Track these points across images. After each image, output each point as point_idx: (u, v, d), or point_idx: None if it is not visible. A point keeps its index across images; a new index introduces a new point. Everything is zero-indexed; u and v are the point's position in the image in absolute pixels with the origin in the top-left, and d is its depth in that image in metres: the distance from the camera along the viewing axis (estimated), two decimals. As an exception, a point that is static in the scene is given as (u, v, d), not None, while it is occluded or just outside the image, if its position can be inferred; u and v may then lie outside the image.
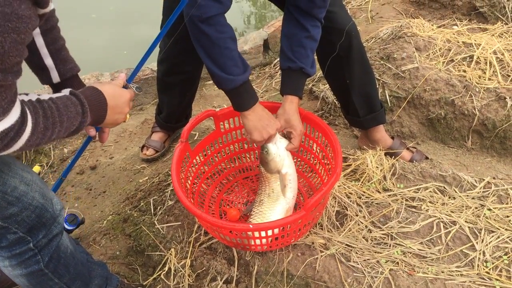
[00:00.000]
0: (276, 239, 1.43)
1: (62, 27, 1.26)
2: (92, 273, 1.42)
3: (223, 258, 1.55)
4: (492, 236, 1.53)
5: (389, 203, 1.66)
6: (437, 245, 1.54)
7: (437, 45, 2.23)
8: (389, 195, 1.71)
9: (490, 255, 1.48)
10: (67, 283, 1.32)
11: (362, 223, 1.61)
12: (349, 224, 1.61)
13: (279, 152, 1.53)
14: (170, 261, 1.60)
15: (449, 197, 1.70)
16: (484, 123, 2.00)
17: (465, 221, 1.58)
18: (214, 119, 1.74)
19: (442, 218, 1.59)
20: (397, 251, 1.51)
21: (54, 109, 0.97)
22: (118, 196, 2.09)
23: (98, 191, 2.16)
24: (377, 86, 2.08)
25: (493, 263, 1.45)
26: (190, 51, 1.48)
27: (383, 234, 1.57)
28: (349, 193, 1.71)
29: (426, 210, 1.63)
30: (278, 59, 2.13)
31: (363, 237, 1.57)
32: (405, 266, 1.44)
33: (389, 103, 2.14)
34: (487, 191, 1.70)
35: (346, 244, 1.51)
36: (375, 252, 1.50)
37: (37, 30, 1.19)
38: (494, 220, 1.59)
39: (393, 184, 1.76)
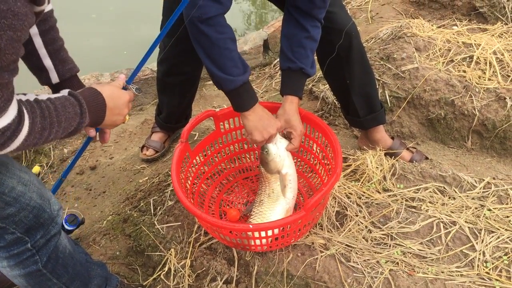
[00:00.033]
0: (276, 239, 1.43)
1: (62, 27, 1.26)
2: (91, 273, 1.42)
3: (223, 259, 1.55)
4: (492, 236, 1.53)
5: (389, 204, 1.66)
6: (437, 245, 1.54)
7: (437, 46, 2.23)
8: (389, 196, 1.71)
9: (490, 256, 1.48)
10: (66, 283, 1.31)
11: (362, 224, 1.61)
12: (349, 225, 1.61)
13: (279, 152, 1.53)
14: (170, 261, 1.60)
15: (449, 198, 1.70)
16: (484, 124, 2.01)
17: (465, 222, 1.58)
18: (214, 119, 1.74)
19: (442, 219, 1.59)
20: (397, 252, 1.51)
21: (52, 109, 0.97)
22: (118, 196, 2.09)
23: (98, 191, 2.16)
24: (377, 87, 2.08)
25: (493, 264, 1.45)
26: (190, 52, 1.48)
27: (383, 234, 1.57)
28: (349, 193, 1.71)
29: (426, 211, 1.63)
30: (278, 59, 2.13)
31: (363, 237, 1.57)
32: (405, 267, 1.44)
33: (389, 103, 2.15)
34: (487, 191, 1.70)
35: (346, 245, 1.51)
36: (375, 253, 1.50)
37: (36, 31, 1.19)
38: (494, 220, 1.59)
39: (393, 184, 1.76)
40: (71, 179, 2.25)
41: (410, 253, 1.51)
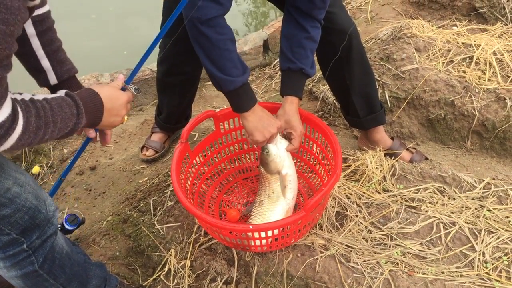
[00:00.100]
0: (276, 240, 1.43)
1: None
2: (89, 273, 1.42)
3: (223, 259, 1.55)
4: (492, 236, 1.53)
5: (389, 204, 1.66)
6: (437, 245, 1.54)
7: (436, 46, 2.23)
8: (389, 196, 1.71)
9: (490, 256, 1.48)
10: (63, 283, 1.31)
11: (362, 224, 1.61)
12: (349, 225, 1.61)
13: (280, 153, 1.53)
14: (170, 261, 1.60)
15: (449, 198, 1.70)
16: (484, 124, 2.01)
17: (465, 222, 1.58)
18: (214, 119, 1.74)
19: (441, 219, 1.59)
20: (397, 252, 1.51)
21: (48, 109, 0.96)
22: (117, 196, 2.09)
23: (97, 192, 2.16)
24: (377, 87, 2.08)
25: (493, 264, 1.46)
26: (190, 52, 1.48)
27: (383, 234, 1.57)
28: (349, 193, 1.71)
29: (426, 211, 1.63)
30: (278, 59, 2.13)
31: (363, 238, 1.57)
32: (405, 267, 1.44)
33: (389, 104, 2.15)
34: (487, 191, 1.70)
35: (346, 245, 1.51)
36: (375, 253, 1.50)
37: (33, 32, 1.19)
38: (494, 220, 1.59)
39: (393, 184, 1.76)
40: (71, 179, 2.25)
41: (410, 253, 1.51)
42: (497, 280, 1.40)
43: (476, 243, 1.52)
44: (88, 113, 1.07)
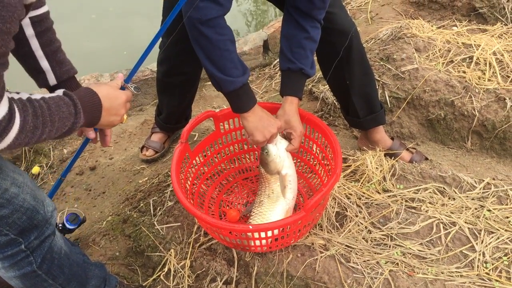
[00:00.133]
0: (276, 240, 1.43)
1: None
2: (88, 274, 1.41)
3: (222, 259, 1.55)
4: (492, 237, 1.53)
5: (389, 204, 1.66)
6: (437, 246, 1.54)
7: (436, 46, 2.23)
8: (388, 196, 1.71)
9: (490, 256, 1.48)
10: (62, 284, 1.31)
11: (362, 224, 1.61)
12: (349, 225, 1.61)
13: (279, 153, 1.53)
14: (170, 262, 1.60)
15: (449, 198, 1.70)
16: (484, 124, 2.01)
17: (465, 222, 1.58)
18: (214, 120, 1.74)
19: (441, 219, 1.59)
20: (396, 252, 1.51)
21: (45, 108, 0.96)
22: (117, 196, 2.09)
23: (97, 192, 2.16)
24: (377, 87, 2.08)
25: (493, 264, 1.46)
26: (190, 52, 1.48)
27: (383, 235, 1.57)
28: (349, 194, 1.71)
29: (426, 211, 1.63)
30: (278, 60, 2.14)
31: (363, 238, 1.57)
32: (405, 267, 1.44)
33: (388, 104, 2.15)
34: (487, 192, 1.70)
35: (346, 245, 1.51)
36: (375, 253, 1.50)
37: (32, 32, 1.19)
38: (494, 221, 1.59)
39: (392, 185, 1.76)
40: (71, 179, 2.25)
41: (410, 253, 1.51)
42: (497, 280, 1.40)
43: (476, 243, 1.52)
44: (86, 112, 1.06)
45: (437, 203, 1.67)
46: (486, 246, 1.50)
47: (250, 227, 1.38)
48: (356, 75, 1.77)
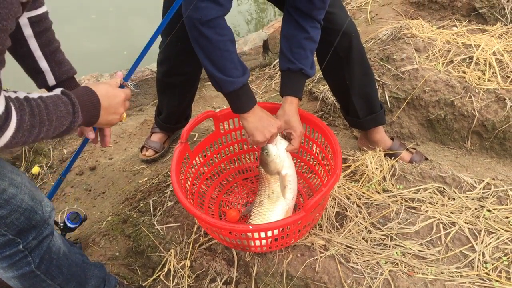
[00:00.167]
0: (276, 240, 1.43)
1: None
2: (88, 274, 1.41)
3: (222, 259, 1.55)
4: (492, 237, 1.53)
5: (389, 204, 1.66)
6: (437, 246, 1.54)
7: (436, 46, 2.23)
8: (388, 196, 1.71)
9: (489, 256, 1.48)
10: (61, 284, 1.31)
11: (362, 224, 1.61)
12: (349, 225, 1.61)
13: (279, 153, 1.53)
14: (170, 262, 1.60)
15: (449, 198, 1.70)
16: (484, 124, 2.01)
17: (465, 222, 1.58)
18: (214, 120, 1.74)
19: (441, 219, 1.59)
20: (396, 252, 1.51)
21: (43, 107, 0.95)
22: (117, 197, 2.09)
23: (97, 192, 2.16)
24: (377, 87, 2.08)
25: (492, 264, 1.46)
26: (190, 52, 1.48)
27: (382, 235, 1.57)
28: (349, 194, 1.71)
29: (426, 211, 1.63)
30: (278, 60, 2.14)
31: (363, 238, 1.57)
32: (405, 267, 1.44)
33: (388, 104, 2.15)
34: (487, 192, 1.70)
35: (346, 245, 1.51)
36: (375, 253, 1.50)
37: (31, 33, 1.19)
38: (494, 221, 1.59)
39: (392, 185, 1.76)
40: (71, 179, 2.25)
41: (410, 253, 1.51)
42: (497, 281, 1.40)
43: (476, 244, 1.52)
44: (85, 111, 1.05)
45: (437, 203, 1.67)
46: (486, 246, 1.50)
47: (250, 227, 1.38)
48: (356, 75, 1.77)
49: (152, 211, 1.79)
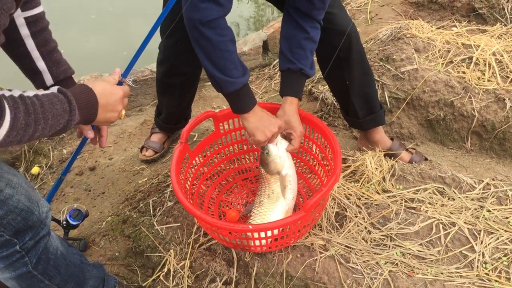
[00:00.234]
0: (276, 240, 1.43)
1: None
2: (86, 274, 1.41)
3: (222, 259, 1.55)
4: (492, 237, 1.53)
5: (389, 204, 1.66)
6: (437, 246, 1.54)
7: (436, 47, 2.23)
8: (388, 196, 1.71)
9: (489, 257, 1.48)
10: (59, 284, 1.30)
11: (362, 224, 1.61)
12: (349, 225, 1.61)
13: (280, 153, 1.53)
14: (169, 262, 1.60)
15: (448, 199, 1.70)
16: (483, 125, 2.01)
17: (464, 223, 1.58)
18: (214, 120, 1.74)
19: (441, 220, 1.59)
20: (396, 253, 1.51)
21: (38, 105, 0.93)
22: (117, 197, 2.09)
23: (97, 192, 2.16)
24: (377, 87, 2.08)
25: (492, 265, 1.46)
26: (190, 52, 1.48)
27: (382, 235, 1.58)
28: (349, 194, 1.71)
29: (426, 212, 1.63)
30: (278, 60, 2.14)
31: (363, 238, 1.57)
32: (405, 268, 1.44)
33: (388, 104, 2.15)
34: (486, 192, 1.71)
35: (346, 245, 1.51)
36: (375, 254, 1.50)
37: (27, 33, 1.18)
38: (494, 221, 1.59)
39: (392, 185, 1.76)
40: (71, 179, 2.25)
41: (410, 254, 1.51)
42: (496, 281, 1.40)
43: (476, 244, 1.52)
44: (82, 109, 1.04)
45: (436, 203, 1.67)
46: (486, 246, 1.50)
47: (250, 227, 1.38)
48: (356, 76, 1.77)
49: (151, 211, 1.79)
